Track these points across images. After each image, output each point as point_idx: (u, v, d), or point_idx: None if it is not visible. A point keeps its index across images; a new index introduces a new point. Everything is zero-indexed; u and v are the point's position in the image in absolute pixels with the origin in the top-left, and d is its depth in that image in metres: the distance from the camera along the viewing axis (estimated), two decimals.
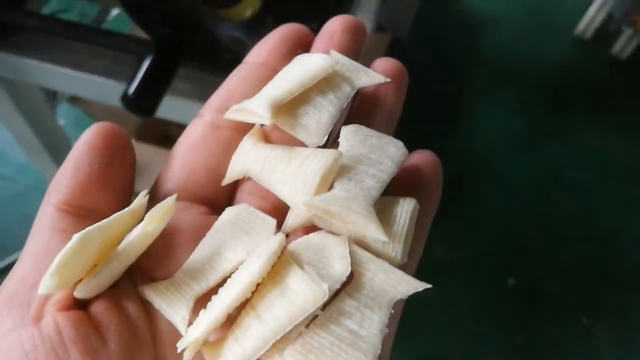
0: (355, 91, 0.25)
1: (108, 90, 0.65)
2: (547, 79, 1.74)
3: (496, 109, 1.65)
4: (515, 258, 1.34)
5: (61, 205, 0.21)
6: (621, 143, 1.59)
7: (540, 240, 1.37)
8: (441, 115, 1.62)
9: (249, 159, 0.23)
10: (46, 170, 0.99)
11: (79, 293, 0.19)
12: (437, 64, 1.75)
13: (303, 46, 0.26)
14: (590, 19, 1.81)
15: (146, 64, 0.53)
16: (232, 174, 0.24)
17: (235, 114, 0.24)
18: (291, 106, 0.23)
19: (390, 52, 1.27)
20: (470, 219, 1.40)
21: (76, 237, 0.18)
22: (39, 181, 1.35)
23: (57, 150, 0.94)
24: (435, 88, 1.65)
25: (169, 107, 0.58)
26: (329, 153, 0.21)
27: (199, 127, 0.24)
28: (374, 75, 0.25)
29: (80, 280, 0.19)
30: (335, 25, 0.26)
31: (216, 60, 0.59)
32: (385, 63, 0.26)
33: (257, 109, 0.22)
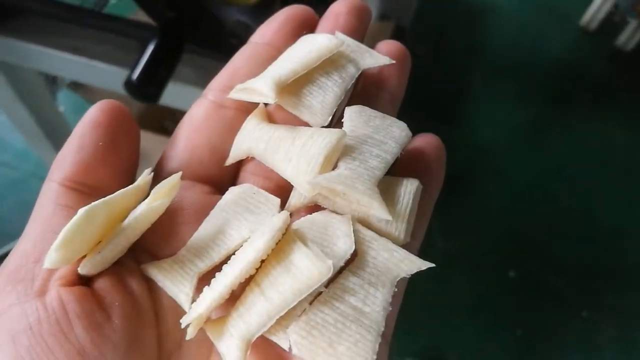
0: (360, 72, 0.25)
1: (110, 76, 0.65)
2: (550, 72, 1.73)
3: (497, 102, 1.64)
4: (517, 252, 1.34)
5: (65, 182, 0.21)
6: (624, 137, 1.58)
7: (542, 234, 1.37)
8: (442, 108, 1.61)
9: (253, 139, 0.23)
10: (46, 157, 0.98)
11: (83, 269, 0.19)
12: (439, 56, 1.74)
13: (308, 27, 0.26)
14: (596, 10, 1.80)
15: (150, 49, 0.52)
16: (235, 153, 0.24)
17: (239, 93, 0.24)
18: (295, 86, 0.23)
19: None
20: (471, 212, 1.40)
21: (82, 211, 0.18)
22: (39, 167, 1.35)
23: (57, 136, 0.94)
24: (436, 80, 1.65)
25: (171, 94, 0.57)
26: (333, 132, 0.21)
27: (203, 106, 0.25)
28: (378, 57, 0.25)
29: (84, 257, 0.19)
30: (340, 7, 0.26)
31: (221, 45, 0.58)
32: (389, 45, 0.26)
33: (261, 88, 0.22)
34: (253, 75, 0.24)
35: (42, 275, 0.19)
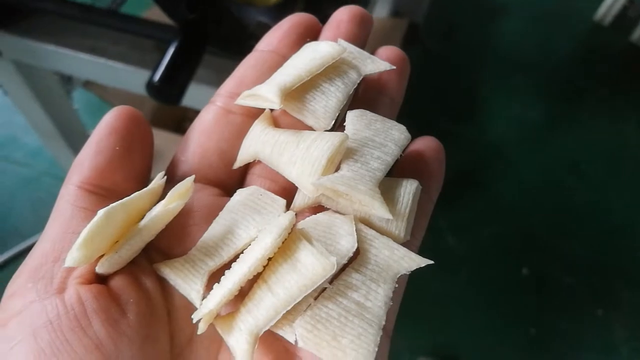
0: (361, 78, 0.26)
1: (126, 75, 0.66)
2: (562, 67, 1.72)
3: (510, 98, 1.63)
4: (529, 249, 1.33)
5: (83, 185, 0.22)
6: (636, 134, 1.57)
7: (554, 231, 1.36)
8: (454, 103, 1.61)
9: (259, 143, 0.24)
10: (59, 155, 1.00)
11: (101, 268, 0.20)
12: (451, 51, 1.74)
13: (311, 35, 0.27)
14: (610, 4, 1.78)
15: (171, 50, 0.52)
16: (243, 157, 0.25)
17: (246, 99, 0.25)
18: (300, 92, 0.24)
19: (407, 40, 1.26)
20: (483, 209, 1.39)
21: (101, 212, 0.19)
22: (52, 166, 1.36)
23: (71, 134, 0.95)
24: (448, 76, 1.64)
25: (188, 94, 0.57)
26: (336, 136, 0.22)
27: (212, 112, 0.26)
28: (379, 63, 0.26)
29: (101, 257, 0.20)
30: (342, 15, 0.27)
31: (241, 47, 0.58)
32: (388, 51, 0.27)
33: (267, 94, 0.23)
34: (259, 82, 0.25)
35: (61, 274, 0.20)
